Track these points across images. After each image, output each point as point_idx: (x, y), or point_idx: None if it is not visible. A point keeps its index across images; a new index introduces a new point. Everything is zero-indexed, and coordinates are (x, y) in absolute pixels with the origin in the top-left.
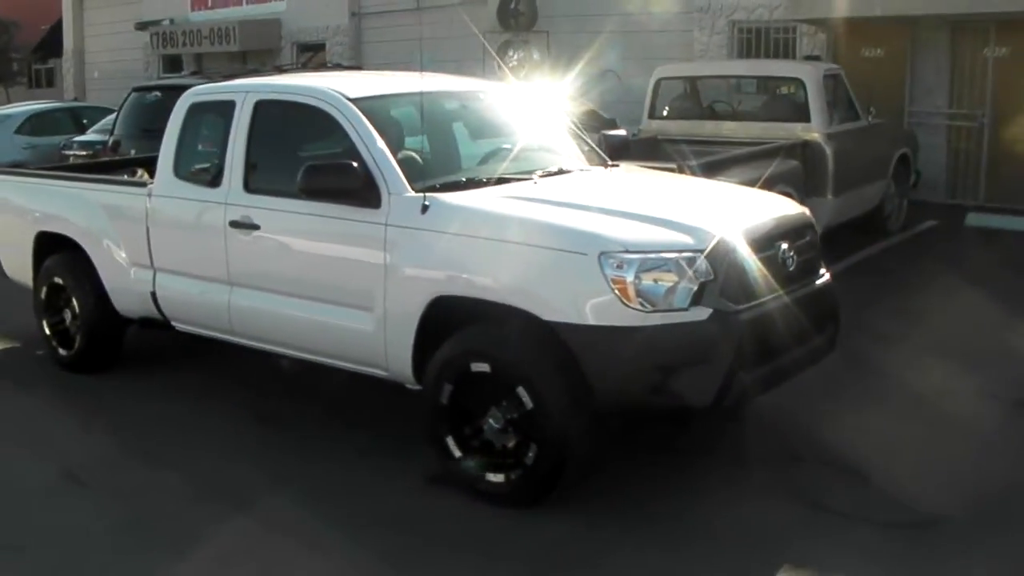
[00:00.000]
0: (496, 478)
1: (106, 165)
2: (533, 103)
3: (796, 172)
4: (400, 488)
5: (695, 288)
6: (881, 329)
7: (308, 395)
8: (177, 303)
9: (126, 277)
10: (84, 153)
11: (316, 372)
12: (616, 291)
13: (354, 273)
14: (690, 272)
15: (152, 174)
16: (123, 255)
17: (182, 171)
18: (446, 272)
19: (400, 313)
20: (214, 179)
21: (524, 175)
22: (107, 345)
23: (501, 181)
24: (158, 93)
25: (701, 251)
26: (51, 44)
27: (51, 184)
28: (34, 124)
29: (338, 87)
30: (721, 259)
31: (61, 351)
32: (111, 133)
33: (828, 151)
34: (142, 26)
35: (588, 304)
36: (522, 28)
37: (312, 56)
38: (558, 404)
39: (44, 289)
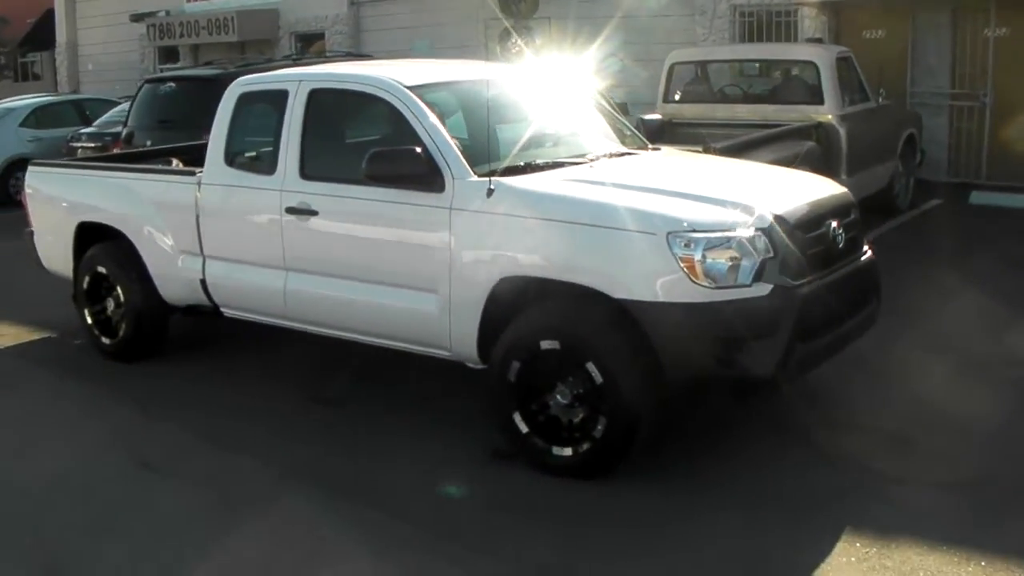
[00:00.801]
0: (563, 452)
1: (136, 156)
2: (572, 88)
3: (814, 153)
4: (466, 461)
5: (757, 265)
6: (908, 302)
7: (360, 377)
8: (229, 289)
9: (173, 265)
10: (92, 145)
11: (366, 354)
12: (684, 269)
13: (418, 256)
14: (752, 250)
15: (186, 163)
16: (170, 243)
17: (234, 159)
18: (514, 253)
19: (466, 294)
20: (268, 166)
21: (578, 159)
22: (152, 333)
23: (557, 165)
24: (172, 84)
25: (762, 230)
26: (37, 38)
27: (93, 175)
28: (39, 117)
29: (394, 75)
30: (779, 237)
31: (104, 340)
32: (124, 125)
33: (842, 132)
34: (137, 18)
35: (658, 282)
36: (524, 15)
37: (311, 46)
38: (627, 378)
39: (86, 279)
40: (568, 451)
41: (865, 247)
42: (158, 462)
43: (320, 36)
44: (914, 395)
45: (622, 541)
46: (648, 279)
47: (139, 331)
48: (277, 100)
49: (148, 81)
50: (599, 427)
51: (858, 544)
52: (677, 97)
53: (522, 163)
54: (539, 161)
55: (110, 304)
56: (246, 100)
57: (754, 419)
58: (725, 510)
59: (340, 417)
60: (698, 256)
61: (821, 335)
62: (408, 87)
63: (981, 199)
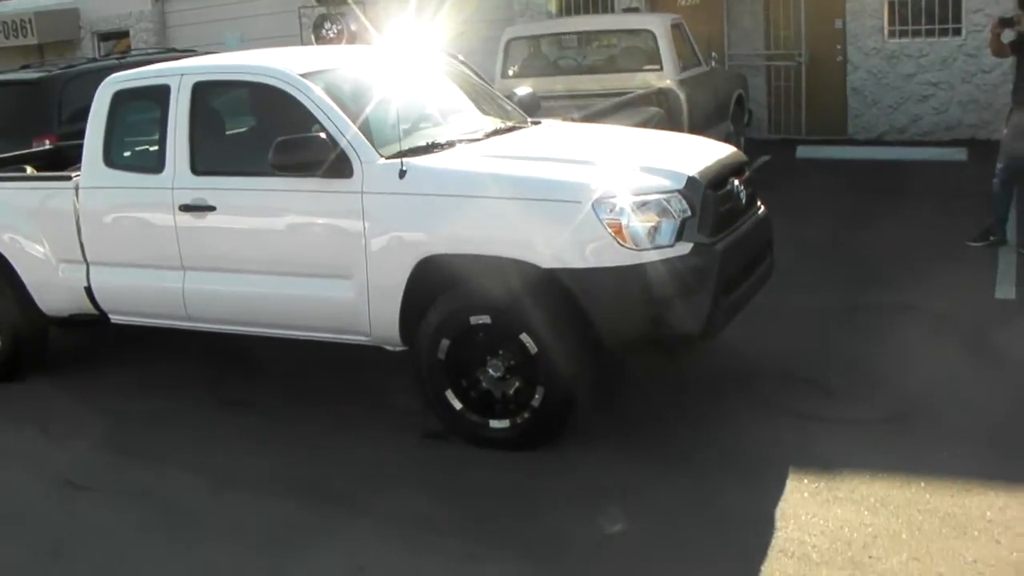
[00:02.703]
0: (501, 424)
1: None
2: (445, 65)
3: (660, 117)
4: (397, 445)
5: (677, 225)
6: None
7: (261, 374)
8: (118, 295)
9: (53, 275)
10: None
11: (260, 350)
12: (612, 233)
13: (330, 243)
14: (672, 211)
15: (39, 169)
16: (47, 252)
17: (115, 160)
18: (434, 232)
19: (384, 278)
20: (156, 165)
21: (471, 135)
22: (32, 348)
23: (454, 143)
24: None
25: (679, 191)
26: None
27: None
28: None
29: (281, 63)
30: (695, 197)
31: None
32: None
33: (682, 96)
34: None
35: (587, 248)
36: (337, 1)
37: (117, 44)
38: (562, 346)
39: None
40: (506, 423)
41: (759, 203)
42: (83, 480)
43: (125, 34)
44: (811, 340)
45: (581, 513)
46: (577, 246)
47: (17, 347)
48: (158, 95)
49: None
50: (537, 397)
51: (806, 481)
52: (512, 72)
53: (425, 143)
54: (440, 140)
55: None
56: (122, 98)
57: (684, 378)
58: (676, 473)
59: (255, 417)
60: (624, 220)
61: (737, 288)
62: (301, 74)
63: (806, 153)
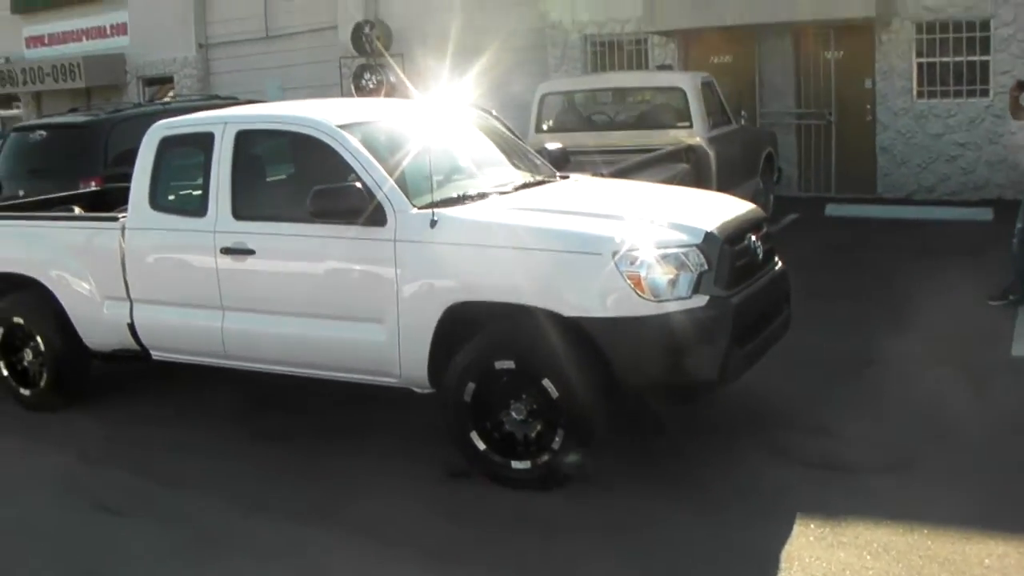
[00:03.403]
0: (522, 465)
1: (30, 205)
2: (478, 120)
3: (687, 174)
4: (425, 480)
5: (694, 278)
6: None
7: (293, 410)
8: (159, 332)
9: (98, 311)
10: None
11: (293, 387)
12: (631, 285)
13: (363, 288)
14: (689, 264)
15: (86, 210)
16: (93, 289)
17: (160, 203)
18: (463, 280)
19: (415, 322)
20: (199, 208)
21: (502, 188)
22: (75, 380)
23: (485, 195)
24: (43, 132)
25: (696, 245)
26: None
27: (2, 225)
28: None
29: (321, 114)
30: (711, 251)
31: (23, 391)
32: None
33: (711, 153)
34: None
35: (607, 299)
36: (377, 52)
37: (160, 89)
38: (582, 391)
39: (0, 330)
40: (527, 464)
41: (776, 258)
42: (117, 506)
43: (169, 80)
44: (826, 390)
45: (592, 547)
46: (598, 297)
47: (62, 379)
48: (202, 142)
49: (16, 130)
50: (557, 439)
51: (812, 526)
52: (546, 126)
53: (456, 194)
54: (472, 192)
55: (28, 354)
56: (168, 144)
57: (691, 425)
58: (685, 511)
59: (286, 449)
60: (643, 273)
61: (752, 339)
62: (339, 125)
63: (835, 210)
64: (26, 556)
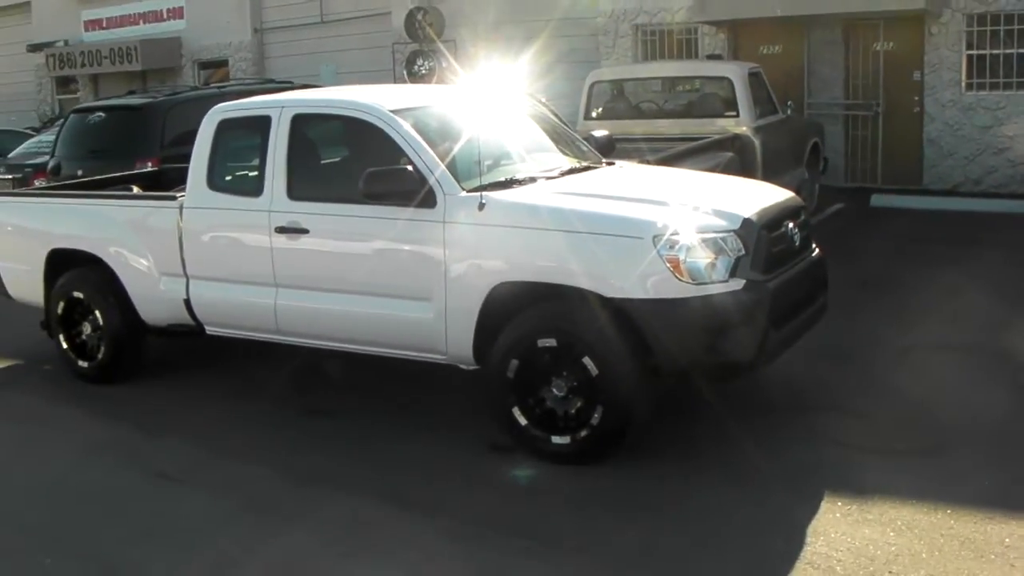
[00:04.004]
0: (562, 440)
1: (91, 185)
2: (528, 106)
3: (735, 162)
4: (469, 455)
5: (732, 263)
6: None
7: (345, 387)
8: (214, 308)
9: (155, 287)
10: (11, 177)
11: (343, 364)
12: (670, 268)
13: (412, 267)
14: (727, 249)
15: (141, 189)
16: (151, 266)
17: (217, 183)
18: (509, 261)
19: (461, 301)
20: (255, 189)
21: (548, 172)
22: (131, 354)
23: (533, 179)
24: (101, 114)
25: (734, 231)
26: None
27: (66, 204)
28: None
29: (374, 100)
30: (749, 237)
31: (81, 363)
32: (51, 155)
33: (757, 142)
34: (35, 48)
35: (647, 281)
36: (429, 38)
37: (214, 73)
38: (622, 369)
39: (61, 304)
40: (567, 439)
41: (814, 245)
42: (174, 473)
43: (224, 63)
44: (863, 375)
45: (631, 517)
46: (639, 279)
47: (119, 353)
48: (259, 125)
49: (75, 112)
50: (596, 415)
51: (839, 503)
52: (595, 114)
53: (504, 178)
54: (519, 176)
55: (86, 328)
56: (226, 126)
57: (728, 405)
58: (716, 486)
59: (336, 424)
60: (682, 256)
61: (788, 323)
62: (392, 110)
63: (880, 201)
64: (91, 519)
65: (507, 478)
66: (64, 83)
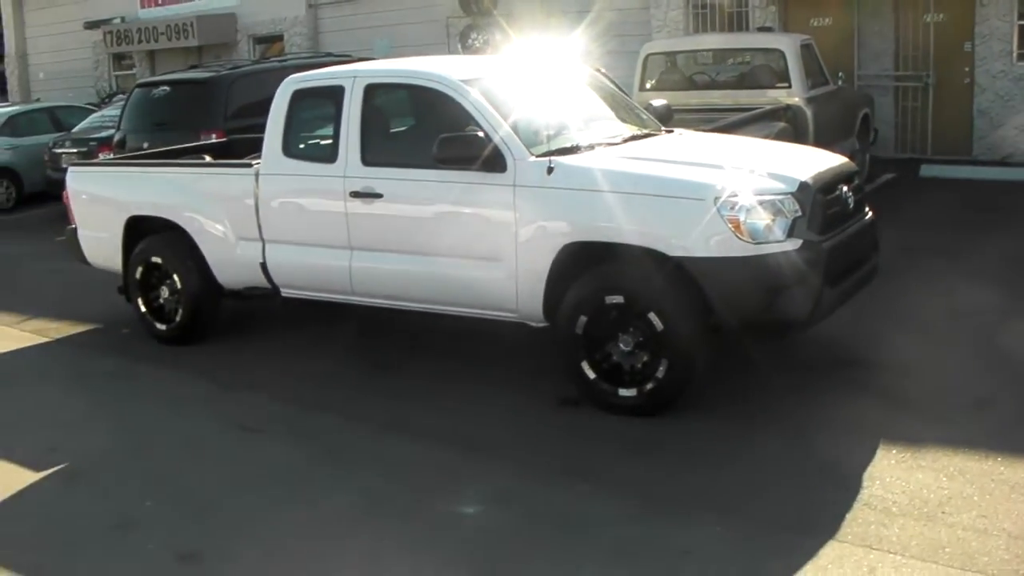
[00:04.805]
0: (629, 392)
1: (164, 155)
2: (589, 76)
3: (787, 132)
4: (538, 408)
5: (790, 223)
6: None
7: (408, 345)
8: (290, 271)
9: (231, 251)
10: (76, 151)
11: (406, 323)
12: (731, 228)
13: (483, 230)
14: (785, 211)
15: (216, 158)
16: (228, 231)
17: (292, 150)
18: (577, 223)
19: (531, 262)
20: (329, 155)
21: (612, 139)
22: (208, 316)
23: (596, 145)
24: (166, 87)
25: (792, 193)
26: None
27: (144, 172)
28: (13, 126)
29: (444, 69)
30: (805, 199)
31: (159, 326)
32: (117, 128)
33: (808, 113)
34: (92, 25)
35: (710, 241)
36: (484, 12)
37: (269, 48)
38: (685, 325)
39: (140, 269)
40: (633, 392)
41: (867, 209)
42: (253, 425)
43: (279, 38)
44: (914, 337)
45: (690, 467)
46: (701, 238)
47: (196, 315)
48: (333, 95)
49: (140, 86)
50: (661, 369)
51: (894, 451)
52: (649, 85)
53: (570, 144)
54: (583, 142)
55: (164, 292)
56: (300, 96)
57: (784, 362)
58: (773, 436)
59: (407, 380)
60: (742, 217)
61: (842, 282)
62: (461, 80)
63: (930, 171)
64: (182, 466)
65: (576, 429)
66: (119, 59)
